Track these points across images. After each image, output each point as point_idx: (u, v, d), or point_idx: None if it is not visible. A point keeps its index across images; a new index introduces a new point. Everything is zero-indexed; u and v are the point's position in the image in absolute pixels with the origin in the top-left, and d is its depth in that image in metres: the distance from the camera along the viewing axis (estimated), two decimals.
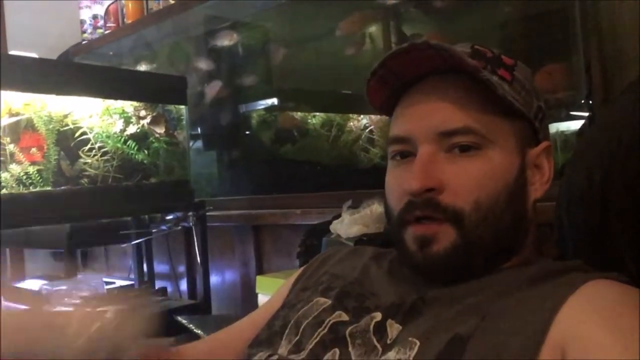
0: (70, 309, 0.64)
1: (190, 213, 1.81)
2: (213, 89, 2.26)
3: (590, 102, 1.21)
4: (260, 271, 1.88)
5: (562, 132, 1.37)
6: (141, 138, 1.76)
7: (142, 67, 2.52)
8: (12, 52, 2.43)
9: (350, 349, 0.63)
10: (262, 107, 2.19)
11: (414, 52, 0.66)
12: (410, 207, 0.66)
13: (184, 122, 1.92)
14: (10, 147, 1.51)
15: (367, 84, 0.71)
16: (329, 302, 0.71)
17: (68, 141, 1.59)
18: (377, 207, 1.18)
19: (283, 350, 0.68)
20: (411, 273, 0.70)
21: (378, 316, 0.65)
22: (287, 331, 0.70)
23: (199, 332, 1.31)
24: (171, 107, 1.89)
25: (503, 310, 0.59)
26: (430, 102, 0.67)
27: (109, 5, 2.44)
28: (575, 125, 1.36)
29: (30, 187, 1.52)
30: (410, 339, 0.60)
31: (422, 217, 0.65)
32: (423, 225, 0.65)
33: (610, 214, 0.72)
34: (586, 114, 1.27)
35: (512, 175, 0.67)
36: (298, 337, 0.68)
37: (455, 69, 0.66)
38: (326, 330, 0.66)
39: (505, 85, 0.67)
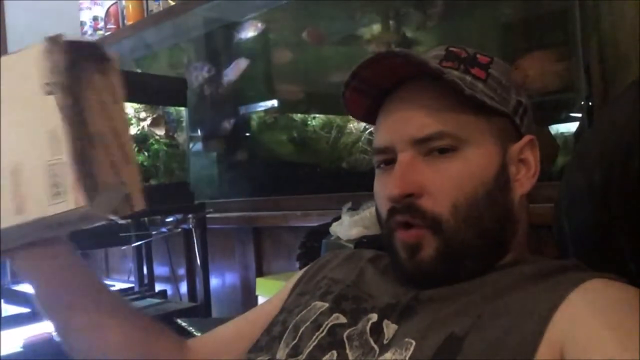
0: None
1: (190, 215, 1.80)
2: (239, 66, 2.17)
3: (590, 103, 1.21)
4: (260, 273, 1.87)
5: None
6: (141, 140, 1.77)
7: (143, 69, 2.53)
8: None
9: (347, 351, 0.63)
10: (262, 108, 2.19)
11: (384, 60, 0.67)
12: (393, 213, 0.67)
13: (184, 124, 1.92)
14: None
15: (342, 96, 0.72)
16: (327, 305, 0.71)
17: None
18: None
19: (281, 353, 0.68)
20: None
21: (374, 317, 0.65)
22: (285, 335, 0.70)
23: (199, 335, 1.31)
24: (171, 109, 1.89)
25: (499, 309, 0.59)
26: (405, 109, 0.68)
27: (109, 7, 2.44)
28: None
29: None
30: (406, 339, 0.60)
31: (404, 222, 0.66)
32: (407, 232, 0.66)
33: (610, 215, 0.72)
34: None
35: (491, 173, 0.67)
36: (296, 340, 0.68)
37: (427, 74, 0.66)
38: (324, 333, 0.67)
39: (479, 84, 0.67)
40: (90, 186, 0.61)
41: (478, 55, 0.70)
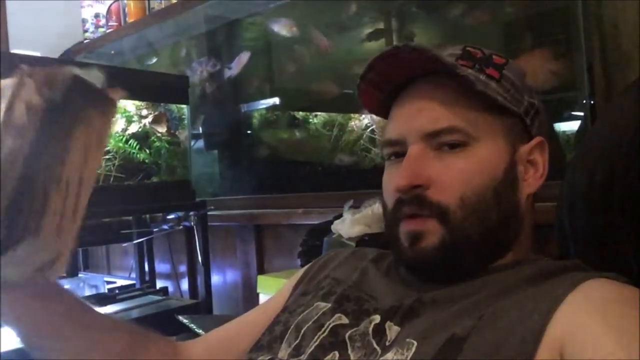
0: None
1: (191, 212, 1.80)
2: (241, 60, 2.17)
3: (592, 102, 1.21)
4: (262, 271, 1.87)
5: None
6: (143, 137, 1.76)
7: (145, 66, 2.53)
8: (13, 51, 2.43)
9: (349, 351, 0.64)
10: (264, 106, 2.19)
11: (401, 55, 0.67)
12: (400, 205, 0.68)
13: (186, 122, 1.92)
14: None
15: (358, 88, 0.73)
16: (329, 305, 0.71)
17: None
18: (378, 207, 1.18)
19: (283, 353, 0.68)
20: (409, 274, 0.70)
21: (377, 319, 0.66)
22: (287, 335, 0.70)
23: (201, 331, 1.31)
24: (173, 106, 1.89)
25: (500, 310, 0.59)
26: (417, 104, 0.69)
27: (110, 5, 2.44)
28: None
29: None
30: (408, 339, 0.60)
31: (410, 214, 0.67)
32: (412, 221, 0.67)
33: (611, 215, 0.72)
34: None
35: (499, 171, 0.67)
36: (298, 340, 0.68)
37: (443, 70, 0.67)
38: (326, 333, 0.67)
39: (493, 83, 0.68)
40: None
41: (494, 56, 0.71)
